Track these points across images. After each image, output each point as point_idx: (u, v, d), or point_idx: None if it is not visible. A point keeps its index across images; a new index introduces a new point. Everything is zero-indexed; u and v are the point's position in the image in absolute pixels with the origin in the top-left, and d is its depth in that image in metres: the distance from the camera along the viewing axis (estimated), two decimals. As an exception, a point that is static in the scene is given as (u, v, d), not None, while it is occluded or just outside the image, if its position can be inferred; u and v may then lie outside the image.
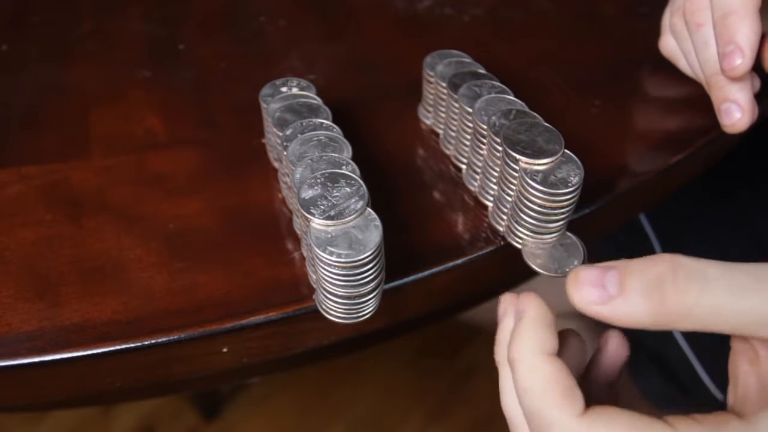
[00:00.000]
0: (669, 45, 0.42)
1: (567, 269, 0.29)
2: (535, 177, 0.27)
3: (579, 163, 0.28)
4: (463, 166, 0.35)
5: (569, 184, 0.27)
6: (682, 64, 0.42)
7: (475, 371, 1.11)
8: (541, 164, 0.28)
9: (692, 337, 0.61)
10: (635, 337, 0.73)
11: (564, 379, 0.22)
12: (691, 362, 0.62)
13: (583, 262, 0.29)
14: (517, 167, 0.28)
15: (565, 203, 0.28)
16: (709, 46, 0.37)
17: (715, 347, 0.62)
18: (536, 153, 0.28)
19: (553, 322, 0.23)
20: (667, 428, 0.20)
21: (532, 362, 0.22)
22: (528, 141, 0.29)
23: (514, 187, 0.29)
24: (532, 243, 0.30)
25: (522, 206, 0.29)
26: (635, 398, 0.78)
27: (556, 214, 0.28)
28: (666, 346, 0.63)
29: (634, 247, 0.62)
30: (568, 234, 0.30)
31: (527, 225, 0.29)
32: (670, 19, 0.41)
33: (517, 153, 0.28)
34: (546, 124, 0.30)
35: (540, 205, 0.28)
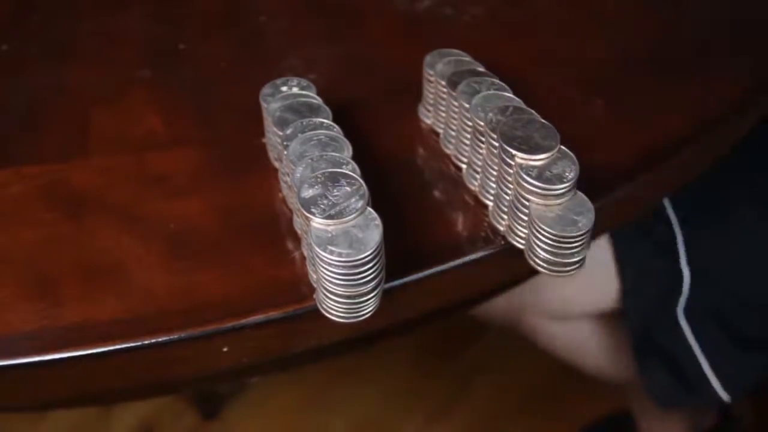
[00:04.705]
0: None
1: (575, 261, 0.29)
2: (530, 173, 0.28)
3: (574, 159, 0.28)
4: (464, 166, 0.35)
5: (564, 180, 0.27)
6: None
7: (476, 371, 1.11)
8: (537, 160, 0.28)
9: (701, 333, 0.62)
10: (646, 334, 0.72)
11: None
12: (697, 358, 0.62)
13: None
14: (513, 163, 0.28)
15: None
16: None
17: (722, 344, 0.62)
18: (532, 149, 0.28)
19: None
20: None
21: None
22: (524, 137, 0.29)
23: (511, 185, 0.29)
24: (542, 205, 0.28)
25: (518, 203, 0.29)
26: (641, 398, 0.78)
27: (552, 211, 0.28)
28: (675, 343, 0.63)
29: (654, 228, 0.63)
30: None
31: (525, 222, 0.29)
32: None
33: (513, 149, 0.28)
34: (542, 120, 0.30)
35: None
